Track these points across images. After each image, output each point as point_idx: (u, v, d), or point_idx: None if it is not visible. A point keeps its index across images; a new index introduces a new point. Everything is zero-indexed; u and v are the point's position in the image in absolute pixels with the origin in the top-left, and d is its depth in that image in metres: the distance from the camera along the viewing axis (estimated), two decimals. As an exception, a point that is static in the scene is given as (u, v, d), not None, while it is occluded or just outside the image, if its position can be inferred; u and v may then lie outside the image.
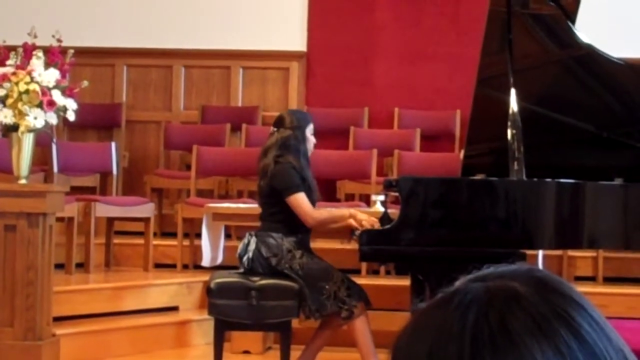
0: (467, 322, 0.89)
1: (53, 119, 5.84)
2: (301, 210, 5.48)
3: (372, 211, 5.97)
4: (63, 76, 5.90)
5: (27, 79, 5.76)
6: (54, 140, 7.29)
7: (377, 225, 5.32)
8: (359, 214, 5.47)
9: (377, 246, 4.79)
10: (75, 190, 7.49)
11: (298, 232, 5.57)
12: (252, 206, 6.64)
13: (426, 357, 0.90)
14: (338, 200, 8.19)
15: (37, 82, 5.76)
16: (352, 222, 5.43)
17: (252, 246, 5.55)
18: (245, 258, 5.56)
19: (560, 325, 0.89)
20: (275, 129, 5.68)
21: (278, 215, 5.56)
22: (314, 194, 5.64)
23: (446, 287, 0.96)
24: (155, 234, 7.95)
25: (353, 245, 5.55)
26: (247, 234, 5.68)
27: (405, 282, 5.97)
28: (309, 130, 5.69)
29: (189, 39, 9.44)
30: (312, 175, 5.70)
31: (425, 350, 0.90)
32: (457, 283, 0.95)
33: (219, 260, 6.85)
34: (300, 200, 5.49)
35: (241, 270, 5.61)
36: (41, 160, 8.03)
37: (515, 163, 4.87)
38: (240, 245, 5.64)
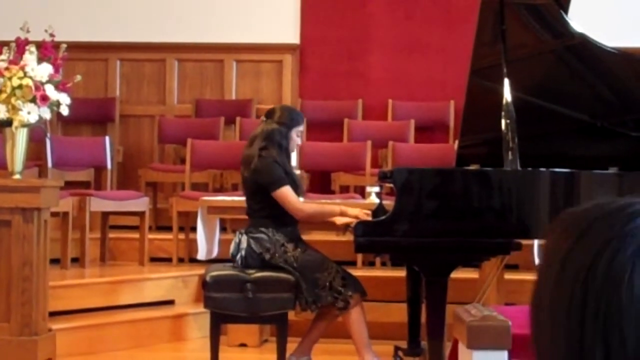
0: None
1: (47, 114, 5.83)
2: (289, 204, 5.48)
3: (367, 203, 5.97)
4: (56, 71, 5.89)
5: (20, 74, 5.75)
6: (48, 135, 7.27)
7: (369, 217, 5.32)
8: (349, 210, 5.47)
9: (373, 237, 4.78)
10: (69, 185, 7.48)
11: (287, 225, 5.56)
12: (247, 199, 6.61)
13: (591, 266, 1.01)
14: (332, 193, 8.19)
15: (30, 77, 5.75)
16: (338, 220, 5.45)
17: (244, 244, 5.54)
18: (238, 257, 5.54)
19: None
20: (264, 120, 5.69)
21: (265, 210, 5.54)
22: (299, 189, 5.63)
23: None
24: (150, 228, 7.95)
25: (348, 237, 5.55)
26: (237, 233, 5.67)
27: (401, 273, 5.98)
28: (296, 130, 5.66)
29: (182, 32, 9.43)
30: (293, 171, 5.71)
31: (590, 260, 1.01)
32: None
33: (215, 253, 6.85)
34: (286, 193, 5.48)
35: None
36: (35, 155, 8.02)
37: (510, 153, 4.86)
38: (232, 245, 5.62)
